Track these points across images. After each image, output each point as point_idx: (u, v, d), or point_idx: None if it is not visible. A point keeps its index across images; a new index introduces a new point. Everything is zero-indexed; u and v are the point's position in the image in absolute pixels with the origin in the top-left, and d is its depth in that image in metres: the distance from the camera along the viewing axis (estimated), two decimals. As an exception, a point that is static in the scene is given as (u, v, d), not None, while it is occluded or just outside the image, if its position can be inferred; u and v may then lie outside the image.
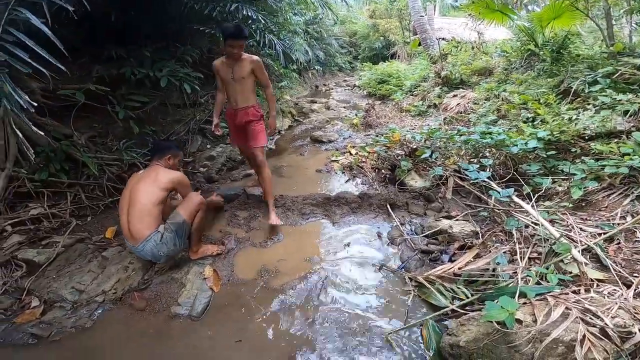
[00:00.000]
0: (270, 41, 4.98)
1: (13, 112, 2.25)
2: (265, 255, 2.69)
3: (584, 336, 1.41)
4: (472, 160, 3.50)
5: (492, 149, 3.52)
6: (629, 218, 2.49)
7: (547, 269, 1.92)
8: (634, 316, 1.47)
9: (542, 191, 3.07)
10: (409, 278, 2.32)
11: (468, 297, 1.96)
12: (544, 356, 1.42)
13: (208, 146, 4.57)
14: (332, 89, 10.86)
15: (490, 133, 3.60)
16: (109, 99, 3.66)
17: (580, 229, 2.56)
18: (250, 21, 4.52)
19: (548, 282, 1.89)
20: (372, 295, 2.27)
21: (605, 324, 1.45)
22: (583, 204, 2.94)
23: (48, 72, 2.29)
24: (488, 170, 3.22)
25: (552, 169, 3.36)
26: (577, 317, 1.47)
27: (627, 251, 2.17)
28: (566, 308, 1.51)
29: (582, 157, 3.23)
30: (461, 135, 3.67)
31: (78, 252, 2.67)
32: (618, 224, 2.43)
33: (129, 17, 3.72)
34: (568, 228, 2.56)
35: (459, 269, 2.17)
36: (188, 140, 4.37)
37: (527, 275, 1.93)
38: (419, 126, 5.54)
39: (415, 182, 3.59)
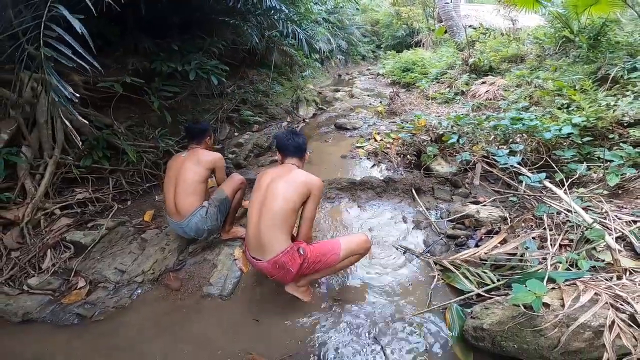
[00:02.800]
0: (293, 31, 4.91)
1: (60, 104, 2.35)
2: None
3: (613, 322, 1.34)
4: (501, 146, 3.32)
5: (524, 134, 3.32)
6: None
7: (579, 255, 1.80)
8: None
9: (577, 178, 2.89)
10: (434, 262, 2.26)
11: (494, 282, 1.89)
12: (570, 341, 1.36)
13: (236, 134, 4.63)
14: (355, 77, 10.64)
15: (521, 119, 3.40)
16: (144, 90, 3.76)
17: (616, 216, 2.39)
18: (272, 12, 4.46)
19: (578, 268, 1.79)
20: (395, 278, 2.23)
21: (635, 310, 1.36)
22: (619, 192, 2.75)
23: (89, 67, 2.37)
24: (518, 155, 3.05)
25: (588, 156, 3.14)
26: (606, 303, 1.39)
27: None
28: (595, 294, 1.43)
29: (620, 144, 3.00)
30: (490, 120, 3.49)
31: (120, 234, 2.79)
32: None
33: (157, 10, 3.76)
34: (602, 215, 2.40)
35: (485, 253, 2.08)
36: (217, 128, 4.45)
37: (558, 262, 1.83)
38: (445, 113, 5.33)
39: (442, 167, 3.47)
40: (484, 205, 2.78)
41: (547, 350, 1.40)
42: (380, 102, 6.22)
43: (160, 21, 4.08)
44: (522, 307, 1.46)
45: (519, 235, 2.18)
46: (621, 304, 1.42)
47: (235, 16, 4.46)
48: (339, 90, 8.19)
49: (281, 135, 2.17)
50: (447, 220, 2.70)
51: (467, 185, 3.21)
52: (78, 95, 2.27)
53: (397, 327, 1.86)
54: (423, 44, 11.35)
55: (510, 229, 2.31)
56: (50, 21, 2.18)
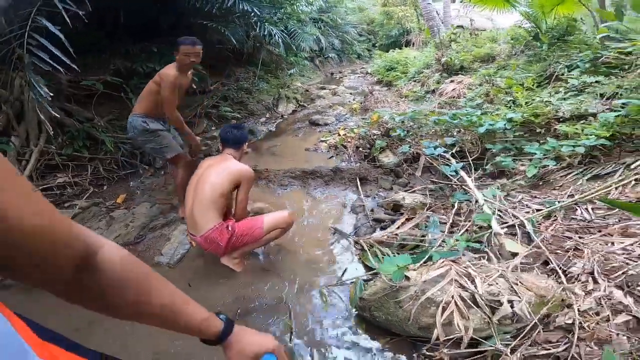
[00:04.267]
0: (269, 32, 5.14)
1: (37, 100, 2.67)
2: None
3: (453, 298, 1.39)
4: (437, 139, 3.54)
5: (461, 129, 3.53)
6: (577, 196, 2.48)
7: (461, 237, 2.00)
8: (511, 287, 1.42)
9: (504, 170, 3.10)
10: (354, 242, 2.51)
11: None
12: (420, 315, 1.45)
13: (213, 128, 4.91)
14: (346, 76, 10.83)
15: (465, 115, 3.60)
16: (123, 88, 4.05)
17: (526, 205, 2.60)
18: (249, 14, 4.69)
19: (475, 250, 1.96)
20: (320, 253, 2.49)
21: (476, 289, 1.40)
22: (541, 183, 2.94)
23: (74, 66, 2.68)
24: (446, 147, 3.26)
25: (521, 150, 3.34)
26: (453, 279, 1.46)
27: (560, 228, 2.17)
28: (455, 271, 1.52)
29: (548, 138, 3.19)
30: (433, 116, 3.70)
31: (92, 213, 3.09)
32: (560, 202, 2.44)
33: (144, 16, 4.04)
34: (514, 204, 2.61)
35: (393, 233, 2.32)
36: (194, 123, 4.73)
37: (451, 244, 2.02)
38: (410, 110, 5.52)
39: (388, 159, 3.70)
40: (413, 192, 3.00)
41: (404, 323, 1.49)
42: (354, 99, 6.43)
43: (150, 25, 4.36)
44: (386, 280, 1.60)
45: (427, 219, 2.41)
46: (466, 283, 1.46)
47: (217, 19, 4.70)
48: (325, 88, 8.40)
49: (224, 128, 2.47)
50: (377, 206, 2.94)
51: (407, 176, 3.43)
52: (52, 94, 2.56)
53: (310, 296, 2.09)
54: (413, 43, 11.47)
55: (423, 214, 2.52)
56: (35, 30, 2.49)
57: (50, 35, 2.67)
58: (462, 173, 2.70)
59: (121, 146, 3.75)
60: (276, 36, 5.20)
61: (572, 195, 2.51)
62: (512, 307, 1.30)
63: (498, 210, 2.38)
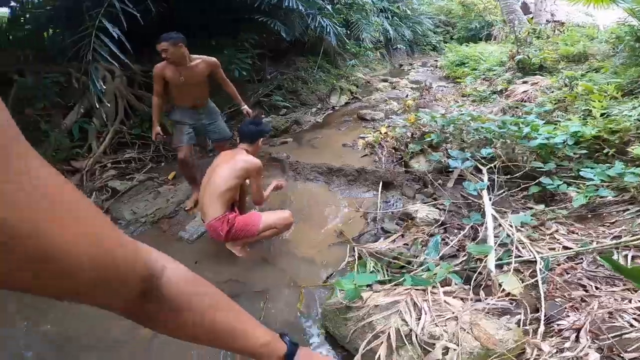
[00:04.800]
0: (320, 24, 5.14)
1: (95, 90, 3.25)
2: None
3: (388, 331, 1.33)
4: (469, 149, 3.19)
5: (507, 140, 3.11)
6: (623, 238, 2.05)
7: (449, 265, 1.84)
8: (461, 328, 1.29)
9: (555, 194, 2.69)
10: (353, 247, 2.49)
11: (375, 273, 2.05)
12: (356, 338, 1.43)
13: (263, 116, 5.19)
14: (414, 69, 10.19)
15: (516, 123, 3.16)
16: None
17: (557, 240, 2.24)
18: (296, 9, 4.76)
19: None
20: (317, 252, 2.54)
21: (413, 327, 1.31)
22: (590, 216, 2.48)
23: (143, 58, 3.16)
24: (486, 161, 2.93)
25: (579, 172, 2.82)
26: (399, 310, 1.39)
27: (579, 274, 1.85)
28: (406, 302, 1.44)
29: (616, 162, 2.64)
30: (476, 121, 3.33)
31: (145, 186, 3.62)
32: (596, 243, 2.05)
33: (208, 14, 4.43)
34: (543, 237, 2.28)
35: (387, 247, 2.24)
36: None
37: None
38: (472, 111, 5.01)
39: (419, 165, 3.49)
40: (433, 205, 2.81)
41: (344, 340, 1.48)
42: (408, 95, 6.06)
43: (214, 22, 4.78)
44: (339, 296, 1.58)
45: (427, 239, 2.26)
46: (410, 317, 1.37)
47: (271, 14, 4.88)
48: (387, 81, 8.08)
49: (244, 122, 2.65)
50: (389, 215, 2.83)
51: (435, 186, 3.20)
52: (105, 87, 3.05)
53: (290, 292, 2.17)
54: (495, 37, 10.17)
55: (409, 233, 2.36)
56: (98, 30, 2.99)
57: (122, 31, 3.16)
58: (485, 193, 2.42)
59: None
60: (328, 28, 5.17)
61: (618, 237, 2.08)
62: (444, 354, 1.18)
63: (518, 240, 2.11)
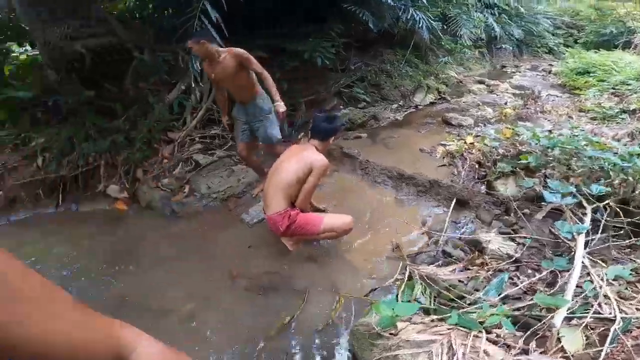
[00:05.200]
0: (412, 17, 4.74)
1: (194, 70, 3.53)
2: (319, 197, 3.00)
3: None
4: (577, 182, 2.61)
5: (630, 177, 2.46)
6: None
7: (508, 316, 1.53)
8: None
9: None
10: (406, 267, 2.30)
11: (421, 302, 1.85)
12: None
13: (341, 107, 5.11)
14: (520, 72, 8.84)
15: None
16: (270, 62, 4.68)
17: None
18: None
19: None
20: (366, 262, 2.42)
21: None
22: None
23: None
24: (593, 198, 2.38)
25: None
26: (432, 352, 1.25)
27: None
28: (442, 343, 1.29)
29: None
30: (596, 149, 2.71)
31: (223, 163, 3.89)
32: None
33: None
34: (637, 295, 1.77)
35: (444, 276, 1.99)
36: (325, 99, 5.04)
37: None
38: (586, 131, 4.13)
39: (505, 188, 3.02)
40: (510, 238, 2.42)
41: None
42: (506, 103, 5.25)
43: (302, 9, 4.82)
44: (373, 322, 1.49)
45: (490, 276, 1.94)
46: None
47: (358, 3, 4.67)
48: (483, 83, 7.19)
49: (318, 116, 2.52)
50: (457, 238, 2.53)
51: (520, 216, 2.74)
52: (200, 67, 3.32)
53: (327, 296, 2.12)
54: (636, 46, 8.13)
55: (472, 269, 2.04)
56: (203, 12, 3.23)
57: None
58: (580, 238, 1.96)
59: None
60: (420, 21, 4.75)
61: None
62: None
63: (604, 295, 1.67)
